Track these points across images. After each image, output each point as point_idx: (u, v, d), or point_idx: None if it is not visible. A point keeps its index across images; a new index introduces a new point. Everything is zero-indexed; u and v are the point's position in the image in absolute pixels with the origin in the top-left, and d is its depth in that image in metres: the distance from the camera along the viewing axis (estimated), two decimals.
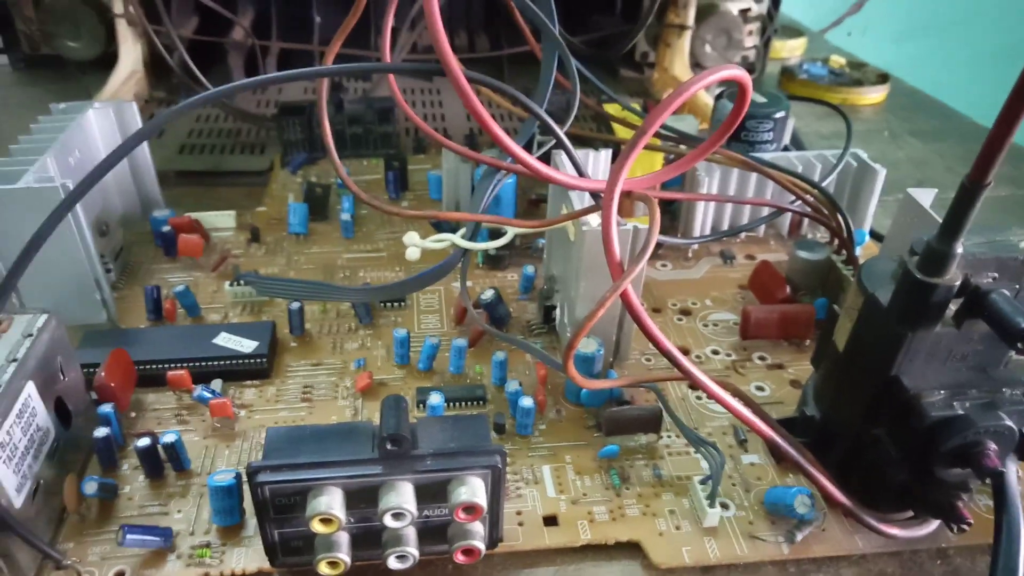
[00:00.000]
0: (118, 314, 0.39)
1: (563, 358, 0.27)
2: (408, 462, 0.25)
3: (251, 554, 0.28)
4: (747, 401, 0.29)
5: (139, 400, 0.35)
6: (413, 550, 0.26)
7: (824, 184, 0.41)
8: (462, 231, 0.34)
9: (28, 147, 0.38)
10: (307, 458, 0.25)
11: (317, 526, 0.25)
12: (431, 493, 0.26)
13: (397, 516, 0.25)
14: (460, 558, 0.27)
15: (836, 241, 0.40)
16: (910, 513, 0.30)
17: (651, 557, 0.29)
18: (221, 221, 0.46)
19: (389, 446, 0.25)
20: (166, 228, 0.43)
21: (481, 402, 0.35)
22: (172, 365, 0.35)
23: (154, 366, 0.35)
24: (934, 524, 0.29)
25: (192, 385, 0.34)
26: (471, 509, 0.25)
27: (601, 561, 0.29)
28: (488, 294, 0.38)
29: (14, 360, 0.27)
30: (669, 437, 0.33)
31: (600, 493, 0.31)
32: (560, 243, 0.38)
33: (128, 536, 0.27)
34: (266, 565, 0.28)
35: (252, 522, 0.29)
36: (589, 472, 0.32)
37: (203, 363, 0.35)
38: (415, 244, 0.34)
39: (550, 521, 0.30)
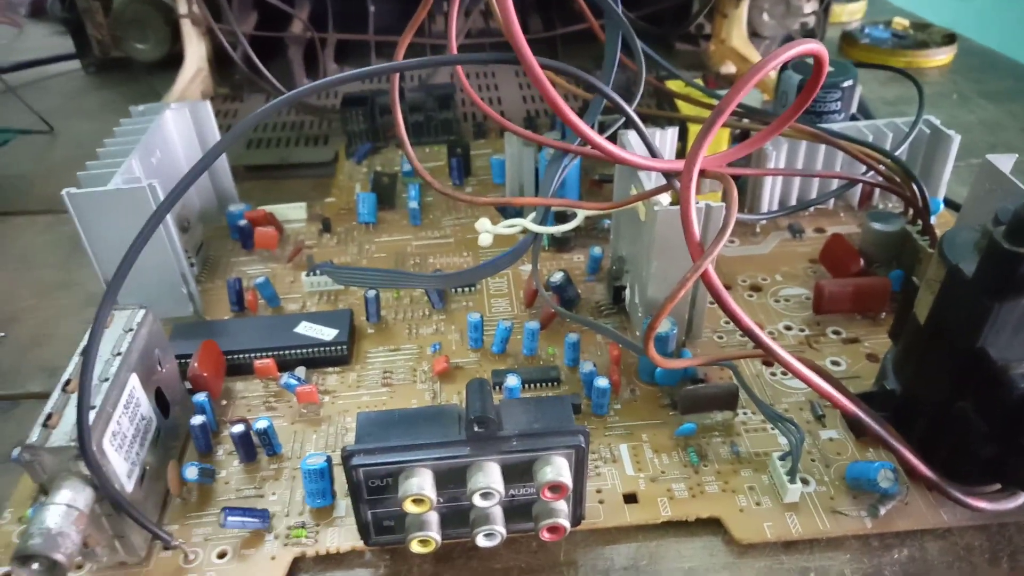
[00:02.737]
0: (204, 306, 0.41)
1: (644, 340, 0.27)
2: (495, 443, 0.26)
3: (344, 533, 0.30)
4: (826, 376, 0.29)
5: (229, 389, 0.36)
6: (500, 528, 0.27)
7: (896, 153, 0.40)
8: (531, 215, 0.35)
9: (113, 150, 0.39)
10: (398, 441, 0.26)
11: (409, 506, 0.26)
12: (517, 473, 0.26)
13: (485, 496, 0.26)
14: (546, 536, 0.27)
15: (911, 211, 0.39)
16: (997, 486, 0.29)
17: (732, 533, 0.29)
18: (293, 213, 0.48)
19: (476, 428, 0.26)
20: (243, 222, 0.45)
21: (556, 383, 0.35)
22: (258, 354, 0.36)
23: (241, 356, 0.36)
24: (1023, 497, 0.29)
25: (278, 373, 0.36)
26: (556, 488, 0.26)
27: (682, 537, 0.30)
28: (557, 276, 0.39)
29: (119, 354, 0.29)
30: (745, 414, 0.34)
31: (678, 471, 0.31)
32: (628, 223, 0.38)
33: (229, 518, 0.29)
34: (359, 543, 0.29)
35: (344, 503, 0.31)
36: (666, 450, 0.32)
37: (287, 352, 0.37)
38: (487, 230, 0.34)
39: (630, 499, 0.31)
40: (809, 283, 0.41)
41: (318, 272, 0.41)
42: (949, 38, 0.74)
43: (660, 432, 0.33)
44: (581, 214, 0.35)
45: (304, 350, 0.37)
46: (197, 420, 0.32)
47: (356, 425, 0.27)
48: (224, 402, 0.36)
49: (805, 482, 0.31)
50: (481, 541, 0.27)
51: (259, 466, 0.32)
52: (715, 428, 0.33)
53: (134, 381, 0.29)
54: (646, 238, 0.34)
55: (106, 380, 0.28)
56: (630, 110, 0.30)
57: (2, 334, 0.41)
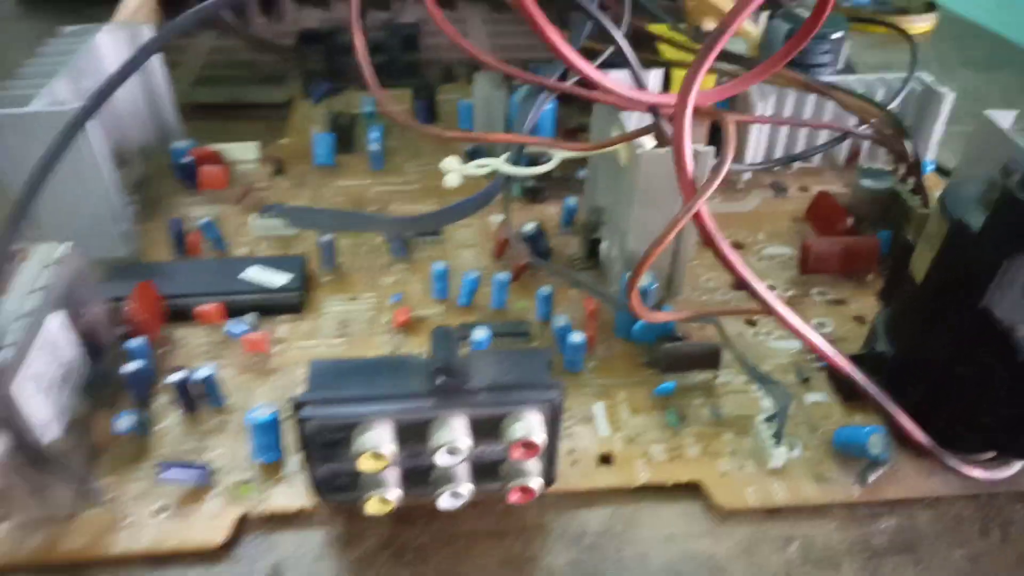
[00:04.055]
0: (142, 248, 0.37)
1: (627, 289, 0.25)
2: (461, 396, 0.23)
3: (294, 491, 0.27)
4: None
5: (168, 336, 0.33)
6: (465, 489, 0.24)
7: (888, 108, 0.38)
8: (504, 156, 0.32)
9: (36, 70, 0.35)
10: (354, 392, 0.23)
11: (365, 463, 0.23)
12: (485, 429, 0.24)
13: (451, 452, 0.23)
14: (514, 497, 0.25)
15: (901, 169, 0.37)
16: (991, 454, 0.28)
17: (714, 498, 0.27)
18: (244, 153, 0.44)
19: (441, 379, 0.23)
20: (187, 159, 0.41)
21: (526, 337, 0.33)
22: (201, 299, 0.33)
23: (183, 300, 0.33)
24: (1017, 466, 0.28)
25: (222, 320, 0.33)
26: (528, 446, 0.24)
27: (661, 502, 0.28)
28: (530, 227, 0.36)
29: (35, 290, 0.26)
30: (728, 375, 0.32)
31: (657, 432, 0.29)
32: (607, 171, 0.35)
33: (165, 472, 0.26)
34: (309, 503, 0.26)
35: (294, 459, 0.28)
36: (644, 410, 0.30)
37: (233, 297, 0.33)
38: (455, 169, 0.31)
39: (605, 460, 0.28)
40: (794, 241, 0.39)
41: (270, 214, 0.38)
42: (929, 6, 0.73)
43: (637, 391, 0.31)
44: (558, 156, 0.32)
45: (252, 296, 0.34)
46: (131, 366, 0.29)
47: (308, 373, 0.24)
48: (163, 350, 0.32)
49: (790, 446, 0.29)
50: (444, 502, 0.25)
51: (202, 418, 0.30)
52: (695, 388, 0.31)
53: (56, 320, 0.26)
54: (627, 185, 0.31)
55: (21, 317, 0.24)
56: (617, 32, 0.28)
57: None
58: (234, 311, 0.33)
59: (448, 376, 0.23)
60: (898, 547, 0.27)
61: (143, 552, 0.25)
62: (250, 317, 0.33)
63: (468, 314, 0.34)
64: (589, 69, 0.25)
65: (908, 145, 0.36)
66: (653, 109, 0.28)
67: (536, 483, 0.25)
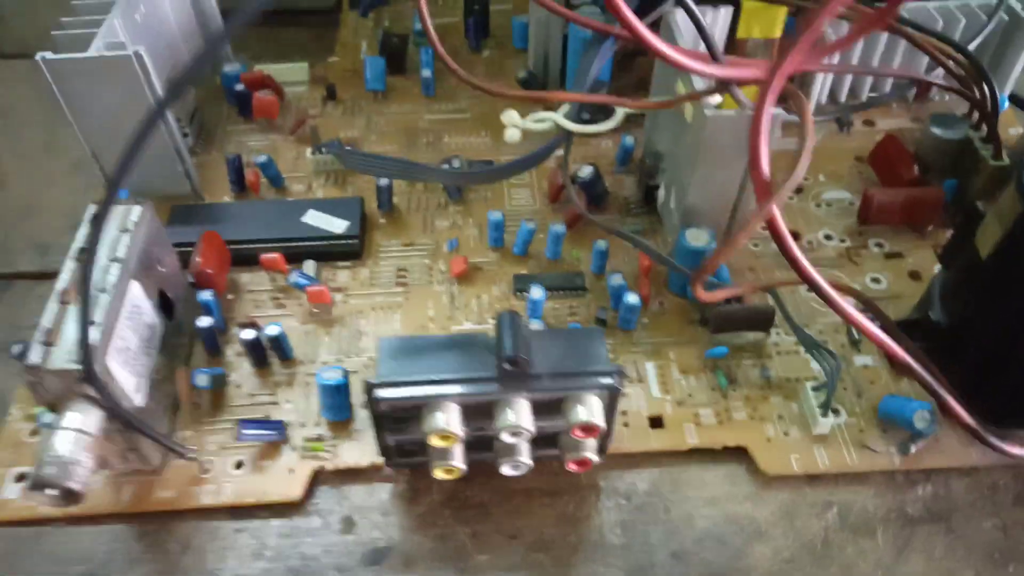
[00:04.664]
0: (201, 184, 0.38)
1: (692, 281, 0.25)
2: (526, 381, 0.24)
3: (363, 448, 0.29)
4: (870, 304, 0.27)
5: (233, 281, 0.34)
6: (526, 459, 0.26)
7: (969, 47, 0.36)
8: (563, 109, 0.31)
9: (91, 3, 0.35)
10: (424, 375, 0.24)
11: (435, 441, 0.25)
12: (547, 408, 0.25)
13: (514, 434, 0.25)
14: (572, 467, 0.27)
15: (976, 115, 0.35)
16: None
17: (759, 464, 0.29)
18: (294, 75, 0.43)
19: (508, 367, 0.24)
20: (239, 86, 0.41)
21: (581, 291, 0.33)
22: (264, 245, 0.34)
23: (246, 246, 0.34)
24: None
25: (286, 268, 0.34)
26: (588, 428, 0.25)
27: (707, 464, 0.29)
28: (586, 171, 0.36)
29: (116, 259, 0.27)
30: (778, 335, 0.32)
31: (706, 394, 0.30)
32: (669, 117, 0.34)
33: (244, 431, 0.28)
34: (378, 459, 0.28)
35: (362, 414, 0.30)
36: (694, 371, 0.31)
37: (295, 243, 0.34)
38: (515, 124, 0.31)
39: (656, 423, 0.30)
40: (854, 186, 0.38)
41: (325, 151, 0.37)
42: None
43: (688, 351, 0.32)
44: (619, 113, 0.31)
45: (313, 242, 0.34)
46: (204, 322, 0.30)
47: (378, 352, 0.25)
48: (230, 296, 0.34)
49: (835, 412, 0.30)
50: (506, 471, 0.26)
51: (271, 371, 0.31)
52: (745, 348, 0.32)
53: (135, 289, 0.27)
54: (691, 141, 0.31)
55: (104, 291, 0.26)
56: None
57: None
58: (294, 257, 0.34)
59: (514, 365, 0.24)
60: (933, 515, 0.28)
61: (227, 504, 0.28)
62: (310, 265, 0.34)
63: (522, 263, 0.35)
64: (664, 48, 0.23)
65: (988, 90, 0.34)
66: (726, 82, 0.27)
67: (593, 455, 0.26)
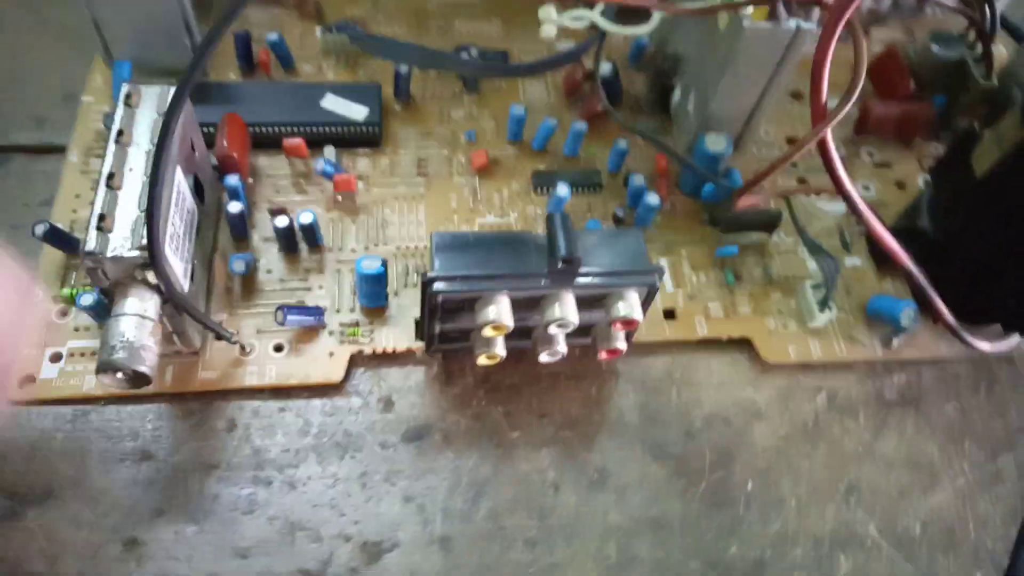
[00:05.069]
0: (207, 60, 0.36)
1: (735, 196, 0.27)
2: (574, 278, 0.26)
3: (398, 333, 0.30)
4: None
5: (253, 164, 0.34)
6: (563, 348, 0.28)
7: None
8: (600, 7, 0.32)
9: None
10: (479, 270, 0.26)
11: (487, 331, 0.26)
12: (587, 302, 0.27)
13: (560, 326, 0.27)
14: (603, 356, 0.29)
15: (972, 34, 0.37)
16: (996, 326, 0.32)
17: (761, 353, 0.32)
18: None
19: (561, 265, 0.26)
20: None
21: (598, 188, 0.35)
22: (283, 128, 0.33)
23: (267, 129, 0.33)
24: (1015, 340, 0.32)
25: (307, 153, 0.33)
26: (628, 322, 0.27)
27: (713, 353, 0.32)
28: (606, 68, 0.36)
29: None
30: (778, 236, 0.35)
31: (714, 289, 0.33)
32: (696, 22, 0.35)
33: (289, 316, 0.29)
34: (414, 344, 0.30)
35: (395, 301, 0.31)
36: (704, 268, 0.33)
37: (315, 128, 0.34)
38: (552, 20, 0.31)
39: (669, 315, 0.32)
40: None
41: (340, 33, 0.36)
42: None
43: (698, 249, 0.34)
44: (656, 17, 0.31)
45: (333, 128, 0.34)
46: (234, 208, 0.30)
47: (431, 246, 0.26)
48: (251, 180, 0.33)
49: (828, 308, 0.33)
50: (543, 358, 0.28)
51: (300, 257, 0.32)
52: (749, 248, 0.34)
53: (179, 174, 0.27)
54: (722, 51, 0.32)
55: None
56: None
57: None
58: (312, 142, 0.34)
59: (568, 264, 0.26)
60: (905, 400, 0.32)
61: (270, 385, 0.29)
62: (331, 151, 0.34)
63: (540, 158, 0.36)
64: None
65: (987, 7, 0.36)
66: None
67: (623, 344, 0.28)
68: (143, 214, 0.24)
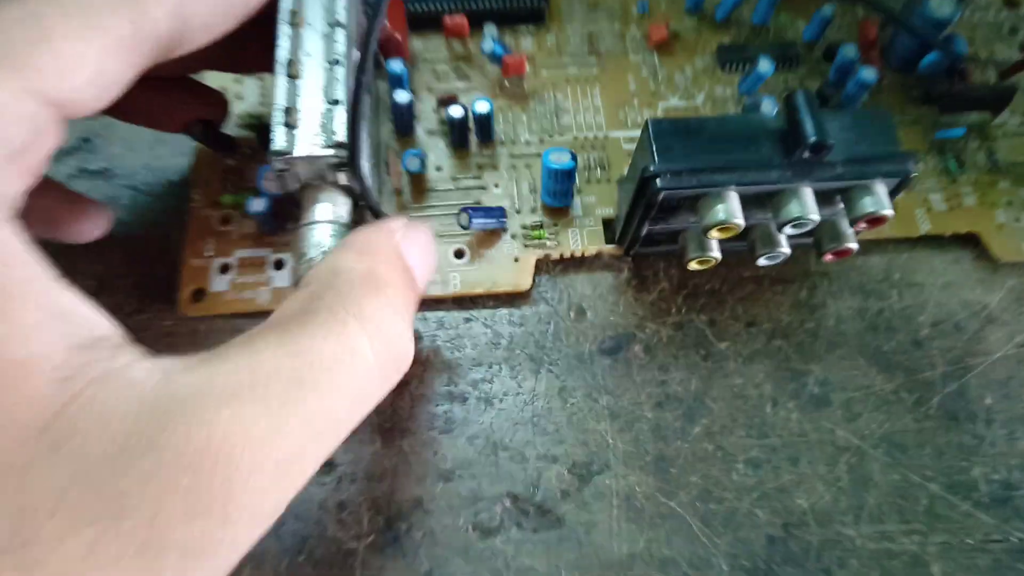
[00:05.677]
0: None
1: (1012, 71, 0.22)
2: (819, 169, 0.23)
3: (585, 235, 0.27)
4: None
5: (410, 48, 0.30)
6: (786, 249, 0.25)
7: None
8: None
9: None
10: (708, 161, 0.22)
11: (715, 233, 0.23)
12: (825, 197, 0.24)
13: (796, 226, 0.23)
14: (829, 258, 0.26)
15: None
16: None
17: (991, 250, 0.28)
18: None
19: (808, 155, 0.22)
20: None
21: (796, 63, 0.30)
22: (442, 5, 0.30)
23: (424, 6, 0.30)
24: None
25: (468, 32, 0.30)
26: (875, 220, 0.23)
27: (934, 251, 0.28)
28: None
29: (338, 24, 0.23)
30: (1003, 116, 0.30)
31: (935, 179, 0.29)
32: None
33: (474, 219, 0.26)
34: (603, 247, 0.27)
35: (579, 200, 0.28)
36: (920, 153, 0.29)
37: (474, 3, 0.30)
38: None
39: None
40: None
41: None
42: None
43: (912, 131, 0.30)
44: None
45: (495, 2, 0.30)
46: (401, 97, 0.27)
47: (650, 136, 0.23)
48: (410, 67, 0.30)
49: None
50: (763, 262, 0.25)
51: (470, 152, 0.29)
52: (970, 129, 0.30)
53: (355, 57, 0.23)
54: None
55: (338, 63, 0.22)
56: None
57: None
58: (473, 18, 0.30)
59: (817, 152, 0.22)
60: None
61: (456, 295, 0.26)
62: (492, 29, 0.30)
63: (724, 31, 0.31)
64: None
65: None
66: None
67: (854, 244, 0.25)
68: (331, 106, 0.21)
